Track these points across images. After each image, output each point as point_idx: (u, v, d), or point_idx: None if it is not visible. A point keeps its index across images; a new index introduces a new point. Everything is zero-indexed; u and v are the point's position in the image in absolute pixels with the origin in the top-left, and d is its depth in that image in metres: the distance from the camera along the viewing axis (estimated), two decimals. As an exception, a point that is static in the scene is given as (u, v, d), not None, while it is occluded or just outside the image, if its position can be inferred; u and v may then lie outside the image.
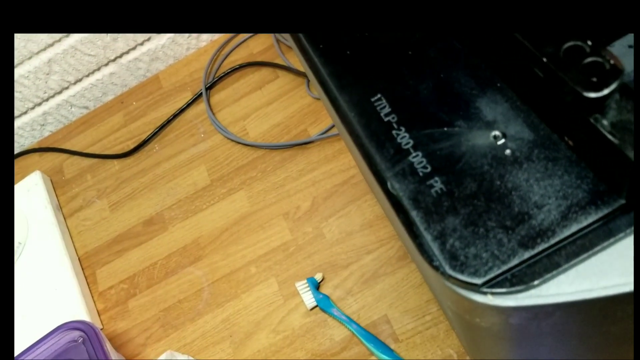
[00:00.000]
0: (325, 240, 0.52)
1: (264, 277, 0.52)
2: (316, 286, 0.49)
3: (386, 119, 0.22)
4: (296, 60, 0.62)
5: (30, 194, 0.61)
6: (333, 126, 0.57)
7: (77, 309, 0.53)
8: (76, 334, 0.48)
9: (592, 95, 0.17)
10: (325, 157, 0.56)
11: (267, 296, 0.51)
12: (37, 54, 0.62)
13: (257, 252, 0.53)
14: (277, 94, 0.61)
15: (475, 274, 0.18)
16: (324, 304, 0.48)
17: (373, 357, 0.45)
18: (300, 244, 0.52)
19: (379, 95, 0.22)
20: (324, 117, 0.58)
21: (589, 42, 0.17)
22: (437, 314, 0.46)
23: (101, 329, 0.54)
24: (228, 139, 0.60)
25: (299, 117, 0.59)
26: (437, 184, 0.20)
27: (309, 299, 0.49)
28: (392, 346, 0.45)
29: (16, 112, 0.66)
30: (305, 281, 0.50)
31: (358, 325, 0.47)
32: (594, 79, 0.17)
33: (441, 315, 0.46)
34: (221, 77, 0.64)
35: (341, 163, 0.55)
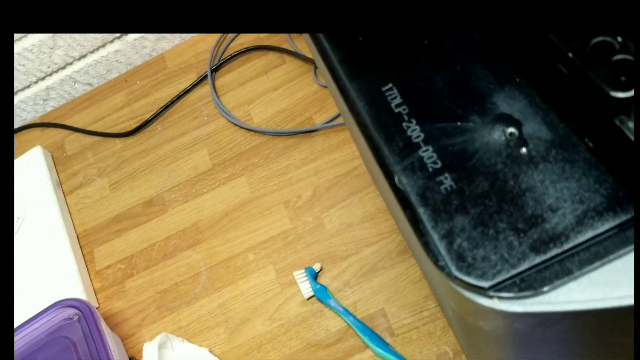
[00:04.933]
0: (325, 231, 0.51)
1: (262, 265, 0.51)
2: (314, 276, 0.49)
3: (397, 110, 0.21)
4: (304, 46, 0.61)
5: (31, 169, 0.61)
6: (338, 115, 0.56)
7: (74, 287, 0.53)
8: (71, 311, 0.48)
9: (620, 95, 0.16)
10: (329, 146, 0.55)
11: (265, 284, 0.51)
12: (41, 27, 0.60)
13: (256, 239, 0.53)
14: (283, 80, 0.60)
15: (482, 276, 0.18)
16: (321, 295, 0.48)
17: (368, 350, 0.45)
18: (300, 233, 0.52)
19: (390, 85, 0.22)
20: (329, 106, 0.57)
21: (619, 39, 0.16)
22: (435, 311, 0.45)
23: (97, 308, 0.54)
24: (231, 123, 0.60)
25: (304, 104, 0.58)
26: (447, 181, 0.19)
27: (306, 288, 0.48)
28: (388, 340, 0.45)
29: (19, 86, 0.66)
30: (304, 271, 0.49)
31: (354, 317, 0.46)
32: (623, 78, 0.16)
33: (439, 311, 0.45)
34: (227, 59, 0.63)
35: (345, 153, 0.54)
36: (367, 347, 0.45)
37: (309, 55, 0.59)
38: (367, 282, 0.48)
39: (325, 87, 0.58)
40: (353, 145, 0.54)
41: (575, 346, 0.22)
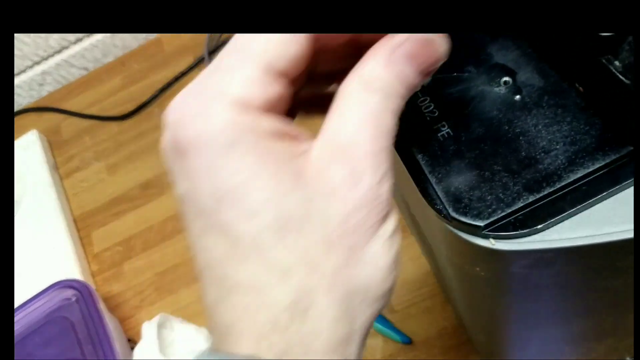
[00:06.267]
0: (323, 210, 0.51)
1: (261, 244, 0.52)
2: (312, 254, 0.49)
3: (395, 64, 0.21)
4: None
5: (27, 153, 0.61)
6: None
7: (71, 269, 0.53)
8: (70, 292, 0.48)
9: (606, 33, 0.17)
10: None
11: (263, 263, 0.51)
12: (37, 12, 0.60)
13: (255, 219, 0.53)
14: (280, 62, 0.61)
15: (478, 216, 0.18)
16: (320, 272, 0.48)
17: (366, 325, 0.46)
18: (298, 213, 0.52)
19: (388, 40, 0.22)
20: (327, 87, 0.58)
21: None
22: (434, 287, 0.46)
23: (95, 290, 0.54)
24: (229, 104, 0.60)
25: (301, 86, 0.59)
26: (444, 129, 0.20)
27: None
28: (388, 316, 0.45)
29: (15, 70, 0.66)
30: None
31: (353, 293, 0.47)
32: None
33: (438, 287, 0.46)
34: (225, 42, 0.63)
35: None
36: (365, 322, 0.45)
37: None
38: (364, 259, 0.48)
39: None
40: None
41: (569, 292, 0.22)
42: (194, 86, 0.15)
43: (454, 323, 0.44)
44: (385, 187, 0.15)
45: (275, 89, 0.15)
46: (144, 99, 0.63)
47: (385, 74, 0.15)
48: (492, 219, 0.18)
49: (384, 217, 0.15)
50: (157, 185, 0.58)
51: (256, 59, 0.14)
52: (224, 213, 0.14)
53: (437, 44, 0.16)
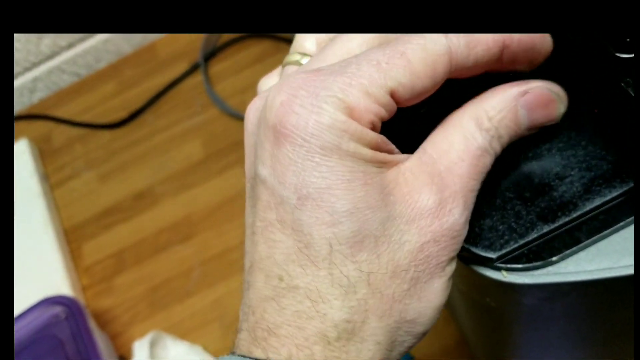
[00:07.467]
0: (320, 222, 0.50)
1: (256, 257, 0.51)
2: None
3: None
4: (298, 37, 0.60)
5: (17, 162, 0.60)
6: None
7: (61, 284, 0.52)
8: (59, 309, 0.47)
9: (625, 55, 0.16)
10: (323, 136, 0.55)
11: (259, 276, 0.50)
12: (28, 17, 0.59)
13: (250, 231, 0.52)
14: (277, 70, 0.60)
15: (489, 247, 0.17)
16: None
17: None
18: (295, 225, 0.51)
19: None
20: (324, 96, 0.57)
21: None
22: (433, 301, 0.45)
23: (85, 306, 0.53)
24: (225, 112, 0.59)
25: (298, 94, 0.58)
26: (452, 152, 0.19)
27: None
28: (385, 331, 0.44)
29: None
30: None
31: (351, 308, 0.46)
32: (628, 39, 0.16)
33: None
34: (221, 47, 0.62)
35: (340, 144, 0.54)
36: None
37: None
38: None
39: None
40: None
41: (581, 324, 0.21)
42: (315, 77, 0.14)
43: (457, 340, 0.43)
44: (466, 230, 0.15)
45: (387, 112, 0.14)
46: (138, 106, 0.62)
47: (503, 115, 0.15)
48: (504, 251, 0.17)
49: (452, 258, 0.15)
50: (150, 195, 0.57)
51: (388, 82, 0.14)
52: (304, 213, 0.14)
53: (558, 104, 0.16)
